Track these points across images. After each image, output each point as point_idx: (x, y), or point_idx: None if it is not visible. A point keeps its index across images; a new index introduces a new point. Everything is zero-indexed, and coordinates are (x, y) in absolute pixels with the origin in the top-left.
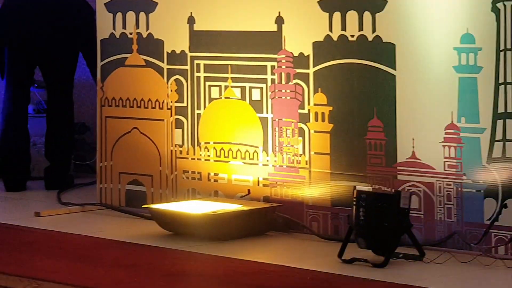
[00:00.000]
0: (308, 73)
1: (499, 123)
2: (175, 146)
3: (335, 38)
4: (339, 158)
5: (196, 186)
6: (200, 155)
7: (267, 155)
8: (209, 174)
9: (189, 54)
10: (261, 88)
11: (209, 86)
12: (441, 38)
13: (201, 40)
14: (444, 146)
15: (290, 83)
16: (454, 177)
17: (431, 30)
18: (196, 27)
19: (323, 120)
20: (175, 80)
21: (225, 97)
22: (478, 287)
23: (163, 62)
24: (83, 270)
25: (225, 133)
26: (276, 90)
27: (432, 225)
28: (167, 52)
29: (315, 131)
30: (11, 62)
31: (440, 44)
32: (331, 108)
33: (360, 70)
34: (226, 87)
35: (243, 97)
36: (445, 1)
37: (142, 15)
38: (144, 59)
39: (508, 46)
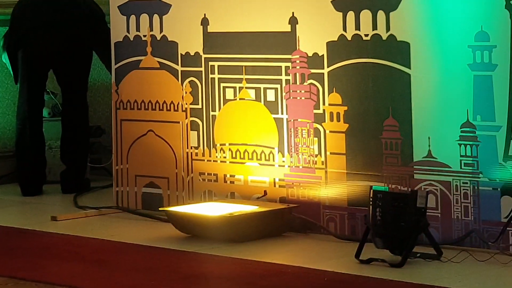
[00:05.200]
0: (323, 73)
1: None
2: (191, 148)
3: (349, 38)
4: (355, 158)
5: (212, 188)
6: (216, 156)
7: (283, 156)
8: (225, 175)
9: (203, 56)
10: (276, 89)
11: (224, 87)
12: (455, 36)
13: (215, 41)
14: (460, 144)
15: (304, 84)
16: (470, 175)
17: (445, 28)
18: (210, 29)
19: (338, 120)
20: (190, 82)
21: (240, 99)
22: (496, 285)
23: (177, 64)
24: (100, 274)
25: (240, 134)
26: (291, 91)
27: (449, 224)
28: (181, 54)
29: (330, 131)
30: (25, 66)
31: (455, 42)
32: (346, 108)
33: (374, 70)
34: (240, 88)
35: (257, 98)
36: None
37: (155, 17)
38: (158, 61)
39: None
